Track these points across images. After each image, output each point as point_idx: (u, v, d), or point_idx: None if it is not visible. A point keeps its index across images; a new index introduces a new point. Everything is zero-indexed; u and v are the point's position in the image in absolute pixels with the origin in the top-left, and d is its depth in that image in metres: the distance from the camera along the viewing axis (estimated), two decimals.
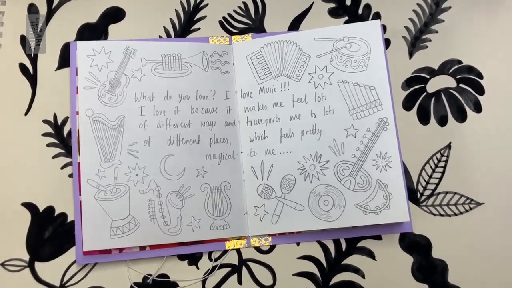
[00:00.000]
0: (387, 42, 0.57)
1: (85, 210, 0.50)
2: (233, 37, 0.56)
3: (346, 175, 0.51)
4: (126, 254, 0.50)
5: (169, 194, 0.51)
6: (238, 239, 0.52)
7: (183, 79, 0.53)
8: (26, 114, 0.53)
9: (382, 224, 0.51)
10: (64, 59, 0.55)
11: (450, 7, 0.58)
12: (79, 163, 0.51)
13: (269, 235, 0.52)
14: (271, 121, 0.53)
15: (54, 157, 0.52)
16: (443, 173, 0.54)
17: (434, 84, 0.56)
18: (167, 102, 0.53)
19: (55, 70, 0.54)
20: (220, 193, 0.52)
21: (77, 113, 0.52)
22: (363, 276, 0.51)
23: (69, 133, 0.53)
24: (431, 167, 0.54)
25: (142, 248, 0.50)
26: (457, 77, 0.56)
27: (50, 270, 0.50)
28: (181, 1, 0.57)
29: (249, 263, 0.52)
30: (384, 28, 0.57)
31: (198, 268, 0.51)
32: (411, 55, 0.57)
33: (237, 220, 0.51)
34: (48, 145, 0.53)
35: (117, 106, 0.52)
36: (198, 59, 0.54)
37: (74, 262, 0.50)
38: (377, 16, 0.58)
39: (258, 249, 0.52)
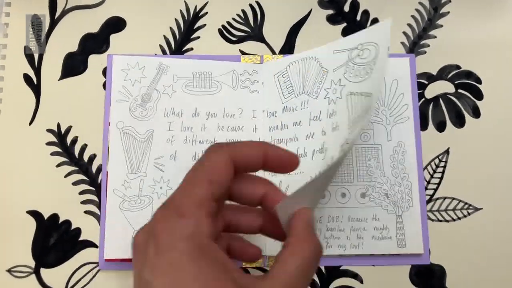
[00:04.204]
0: None
1: (109, 219, 0.51)
2: (265, 56, 0.56)
3: None
4: None
5: None
6: None
7: (212, 97, 0.54)
8: (30, 123, 0.55)
9: None
10: (67, 69, 0.56)
11: (448, 12, 0.58)
12: (107, 172, 0.52)
13: None
14: (290, 141, 0.53)
15: (58, 165, 0.54)
16: (441, 178, 0.54)
17: (433, 90, 0.56)
18: (195, 119, 0.54)
19: (58, 80, 0.56)
20: None
21: (109, 124, 0.53)
22: (361, 281, 0.52)
23: (73, 142, 0.54)
24: (429, 173, 0.54)
25: None
26: (456, 82, 0.56)
27: (55, 276, 0.51)
28: (180, 10, 0.58)
29: (249, 269, 0.52)
30: None
31: None
32: None
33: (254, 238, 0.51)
34: (52, 153, 0.54)
35: (147, 120, 0.53)
36: (228, 78, 0.55)
37: (78, 268, 0.51)
38: (375, 22, 0.58)
39: None
